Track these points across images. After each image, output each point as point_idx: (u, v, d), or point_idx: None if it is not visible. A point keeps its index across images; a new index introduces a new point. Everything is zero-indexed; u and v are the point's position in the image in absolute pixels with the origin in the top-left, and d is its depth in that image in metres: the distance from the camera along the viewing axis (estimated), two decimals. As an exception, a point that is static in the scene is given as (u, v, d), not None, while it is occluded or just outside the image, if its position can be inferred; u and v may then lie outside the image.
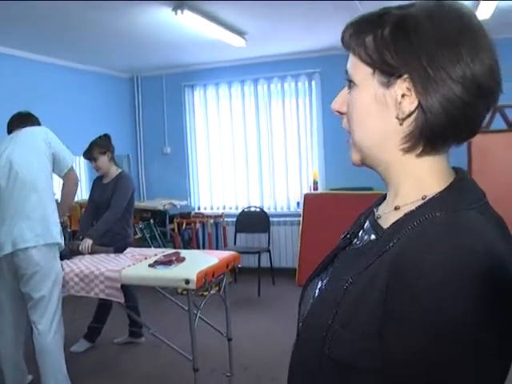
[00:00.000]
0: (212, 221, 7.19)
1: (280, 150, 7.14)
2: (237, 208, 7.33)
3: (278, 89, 7.06)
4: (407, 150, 0.85)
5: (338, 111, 0.91)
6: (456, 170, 0.89)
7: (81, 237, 4.54)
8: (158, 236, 6.83)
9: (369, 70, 0.84)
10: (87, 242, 4.35)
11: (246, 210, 7.15)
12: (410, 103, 0.81)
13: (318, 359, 0.84)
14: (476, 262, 0.71)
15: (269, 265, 6.70)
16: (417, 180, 0.86)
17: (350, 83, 0.87)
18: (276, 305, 5.95)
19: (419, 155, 0.85)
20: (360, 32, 0.84)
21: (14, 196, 3.57)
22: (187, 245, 6.89)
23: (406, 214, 0.83)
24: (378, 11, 0.84)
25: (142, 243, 6.16)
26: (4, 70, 5.54)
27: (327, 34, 5.73)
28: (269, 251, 6.73)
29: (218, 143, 7.45)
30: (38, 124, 4.00)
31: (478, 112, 0.82)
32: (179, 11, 4.43)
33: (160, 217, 6.95)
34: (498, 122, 5.06)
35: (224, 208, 7.44)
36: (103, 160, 4.64)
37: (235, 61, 6.95)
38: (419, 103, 0.80)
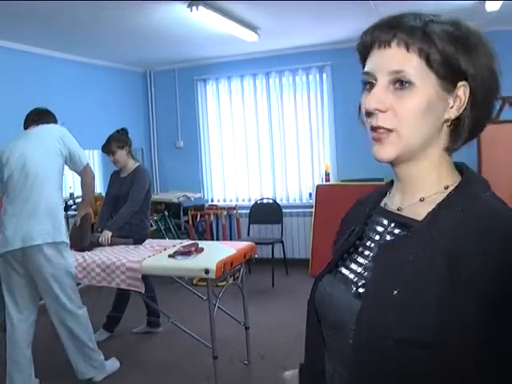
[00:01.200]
0: (225, 212, 7.28)
1: (292, 143, 7.21)
2: (250, 200, 7.42)
3: (289, 82, 7.12)
4: (447, 148, 0.95)
5: (377, 109, 0.92)
6: (456, 164, 0.99)
7: (99, 229, 4.66)
8: (172, 228, 6.93)
9: (432, 75, 0.89)
10: (107, 234, 4.46)
11: (258, 201, 7.23)
12: (458, 109, 0.91)
13: (380, 343, 0.87)
14: None
15: (282, 255, 6.80)
16: (440, 173, 0.95)
17: (404, 83, 0.90)
18: (290, 295, 6.05)
19: (451, 152, 0.96)
20: (426, 26, 0.89)
21: (24, 192, 3.68)
22: (201, 236, 6.99)
23: (438, 205, 0.91)
24: (422, 22, 0.90)
25: (156, 235, 6.25)
26: (19, 66, 5.64)
27: (338, 27, 5.79)
28: (282, 242, 6.82)
29: (230, 136, 7.54)
30: (55, 121, 4.09)
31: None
32: (194, 8, 4.50)
33: (174, 209, 7.06)
34: (507, 113, 5.18)
35: (237, 200, 7.54)
36: (121, 154, 4.73)
37: (247, 54, 7.02)
38: (465, 110, 0.91)
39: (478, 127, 0.95)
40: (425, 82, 0.89)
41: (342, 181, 6.89)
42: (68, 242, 3.82)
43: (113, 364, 4.17)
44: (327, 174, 7.04)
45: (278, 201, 7.18)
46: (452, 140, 0.94)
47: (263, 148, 7.35)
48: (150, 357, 4.53)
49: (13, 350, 3.77)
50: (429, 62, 0.88)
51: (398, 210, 0.98)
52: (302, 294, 5.50)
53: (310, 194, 7.14)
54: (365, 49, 0.97)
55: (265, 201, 7.24)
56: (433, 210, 0.91)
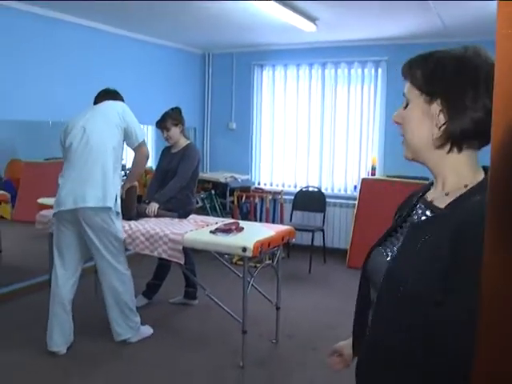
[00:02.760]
0: (271, 197, 7.42)
1: (342, 134, 7.27)
2: (295, 186, 7.54)
3: (344, 74, 7.16)
4: (438, 147, 1.22)
5: (396, 122, 1.29)
6: (483, 167, 1.25)
7: (147, 201, 4.89)
8: (217, 207, 7.13)
9: (418, 92, 1.22)
10: (154, 206, 4.68)
11: (304, 189, 7.35)
12: (443, 118, 1.19)
13: (397, 294, 1.16)
14: None
15: (321, 244, 6.92)
16: (458, 173, 1.22)
17: (407, 101, 1.26)
18: (325, 283, 6.17)
19: (457, 154, 1.21)
20: (413, 67, 1.24)
21: (82, 159, 3.97)
22: (245, 217, 7.12)
23: (455, 199, 1.18)
24: (427, 53, 1.23)
25: (201, 212, 6.43)
26: (76, 41, 5.85)
27: (396, 23, 5.81)
28: (322, 230, 6.94)
29: (282, 123, 7.65)
30: (123, 101, 4.35)
31: (488, 127, 1.12)
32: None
33: (221, 189, 7.24)
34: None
35: (283, 185, 7.66)
36: (175, 131, 4.94)
37: (304, 44, 7.08)
38: (448, 119, 1.19)
39: (460, 136, 1.19)
40: (416, 99, 1.24)
41: (387, 176, 6.94)
42: (119, 210, 4.07)
43: (147, 329, 4.42)
44: (373, 168, 7.10)
45: (322, 190, 7.28)
46: (439, 141, 1.21)
47: (313, 137, 7.44)
48: (182, 326, 4.75)
49: (55, 305, 4.05)
50: (415, 84, 1.24)
51: (432, 200, 1.27)
52: (337, 283, 5.72)
53: (355, 187, 7.20)
54: None
55: (310, 189, 7.35)
56: (453, 200, 1.18)
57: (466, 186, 1.19)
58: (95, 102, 4.32)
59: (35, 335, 4.27)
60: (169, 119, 4.91)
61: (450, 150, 1.21)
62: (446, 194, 1.22)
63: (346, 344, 1.59)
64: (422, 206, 1.30)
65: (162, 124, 4.94)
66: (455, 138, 1.19)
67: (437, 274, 1.09)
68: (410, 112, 1.24)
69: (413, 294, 1.13)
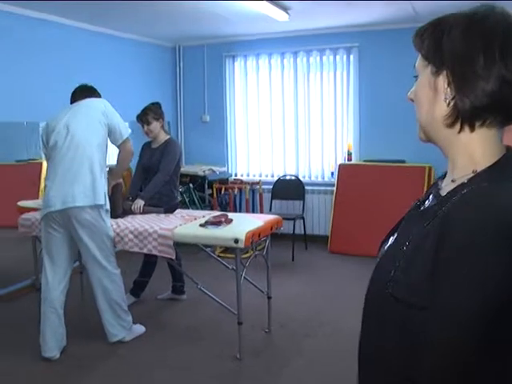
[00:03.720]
0: (249, 187, 7.42)
1: (316, 121, 7.31)
2: (273, 176, 7.58)
3: (316, 61, 7.19)
4: (448, 126, 1.03)
5: (410, 99, 1.11)
6: (508, 147, 1.05)
7: (131, 197, 4.85)
8: (196, 200, 7.11)
9: (425, 62, 1.05)
10: (139, 203, 4.65)
11: (281, 177, 7.39)
12: (451, 91, 1.01)
13: (382, 297, 1.03)
14: (503, 217, 0.90)
15: (302, 231, 6.97)
16: (470, 156, 1.03)
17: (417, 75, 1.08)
18: (309, 269, 6.23)
19: (470, 133, 1.02)
20: (422, 36, 1.05)
21: (67, 157, 3.91)
22: (224, 209, 7.11)
23: (457, 186, 1.01)
24: (436, 18, 1.05)
25: (180, 206, 6.43)
26: (50, 38, 5.75)
27: (367, 10, 5.84)
28: (303, 218, 6.99)
29: (256, 113, 7.66)
30: (99, 96, 4.30)
31: (505, 101, 0.99)
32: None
33: (199, 182, 7.23)
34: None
35: (260, 175, 7.69)
36: (156, 125, 4.91)
37: (276, 33, 7.10)
38: (456, 93, 1.01)
39: (471, 112, 1.00)
40: (423, 72, 1.07)
41: (364, 161, 7.01)
42: (108, 207, 4.03)
43: (139, 328, 4.40)
44: (349, 154, 7.17)
45: (300, 178, 7.33)
46: (449, 119, 1.03)
47: (288, 125, 7.47)
48: (174, 322, 4.74)
49: (46, 310, 3.99)
50: (421, 53, 1.06)
51: (439, 188, 1.11)
52: (321, 268, 5.77)
53: (332, 173, 7.27)
54: None
55: (288, 177, 7.39)
56: (452, 190, 1.03)
57: (474, 171, 1.01)
58: (73, 100, 4.25)
59: (26, 341, 4.21)
60: (150, 113, 4.88)
61: (460, 129, 1.02)
62: (453, 181, 1.05)
63: None
64: (432, 195, 1.14)
65: (143, 117, 4.90)
66: (465, 115, 1.00)
67: (420, 275, 0.96)
68: (417, 86, 1.08)
69: (397, 294, 1.01)
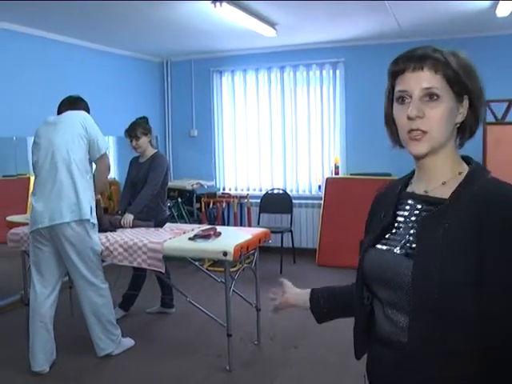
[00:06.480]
0: (237, 201, 7.46)
1: (303, 136, 7.39)
2: (261, 190, 7.62)
3: (303, 76, 7.29)
4: (459, 144, 1.33)
5: (417, 116, 1.23)
6: (462, 156, 1.34)
7: (120, 212, 4.88)
8: (185, 214, 7.14)
9: (450, 91, 1.24)
10: (129, 217, 4.67)
11: (269, 191, 7.44)
12: (463, 115, 1.28)
13: (433, 282, 1.17)
14: None
15: (290, 244, 7.01)
16: (454, 163, 1.30)
17: (433, 96, 1.23)
18: (297, 282, 6.02)
19: (458, 146, 1.32)
20: (445, 66, 1.24)
21: (52, 174, 3.93)
22: (213, 223, 7.13)
23: (459, 185, 1.23)
24: (446, 50, 1.27)
25: (169, 221, 6.45)
26: (38, 53, 5.80)
27: (353, 25, 5.96)
28: (291, 231, 7.03)
29: (243, 127, 7.72)
30: (87, 108, 4.31)
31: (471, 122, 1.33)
32: (218, 4, 4.67)
33: (187, 196, 7.25)
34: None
35: (248, 189, 7.74)
36: (144, 140, 4.94)
37: (263, 48, 7.18)
38: (467, 115, 1.29)
39: (475, 127, 1.32)
40: (446, 95, 1.24)
41: (350, 174, 7.08)
42: (95, 222, 4.05)
43: (128, 341, 4.40)
44: (336, 167, 7.24)
45: (288, 191, 7.38)
46: (460, 138, 1.32)
47: (275, 140, 7.54)
48: (163, 335, 4.74)
49: (35, 324, 3.99)
50: (449, 81, 1.24)
51: (425, 192, 1.30)
52: (309, 281, 5.81)
53: (320, 187, 7.34)
54: (396, 73, 1.29)
55: (275, 191, 7.44)
56: (455, 189, 1.23)
57: (460, 173, 1.27)
58: (59, 111, 4.26)
59: (15, 356, 4.20)
60: (139, 128, 4.90)
61: (461, 143, 1.33)
62: (443, 183, 1.27)
63: (299, 292, 1.79)
64: (410, 201, 1.32)
65: (132, 132, 4.92)
66: (464, 133, 1.32)
67: (464, 264, 1.15)
68: (441, 106, 1.23)
69: (447, 280, 1.15)
